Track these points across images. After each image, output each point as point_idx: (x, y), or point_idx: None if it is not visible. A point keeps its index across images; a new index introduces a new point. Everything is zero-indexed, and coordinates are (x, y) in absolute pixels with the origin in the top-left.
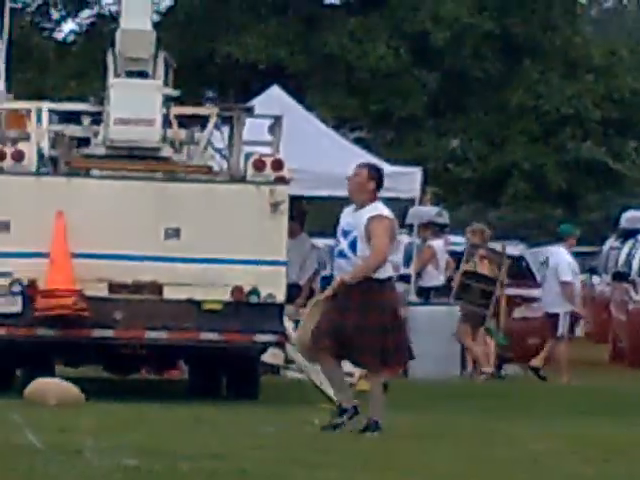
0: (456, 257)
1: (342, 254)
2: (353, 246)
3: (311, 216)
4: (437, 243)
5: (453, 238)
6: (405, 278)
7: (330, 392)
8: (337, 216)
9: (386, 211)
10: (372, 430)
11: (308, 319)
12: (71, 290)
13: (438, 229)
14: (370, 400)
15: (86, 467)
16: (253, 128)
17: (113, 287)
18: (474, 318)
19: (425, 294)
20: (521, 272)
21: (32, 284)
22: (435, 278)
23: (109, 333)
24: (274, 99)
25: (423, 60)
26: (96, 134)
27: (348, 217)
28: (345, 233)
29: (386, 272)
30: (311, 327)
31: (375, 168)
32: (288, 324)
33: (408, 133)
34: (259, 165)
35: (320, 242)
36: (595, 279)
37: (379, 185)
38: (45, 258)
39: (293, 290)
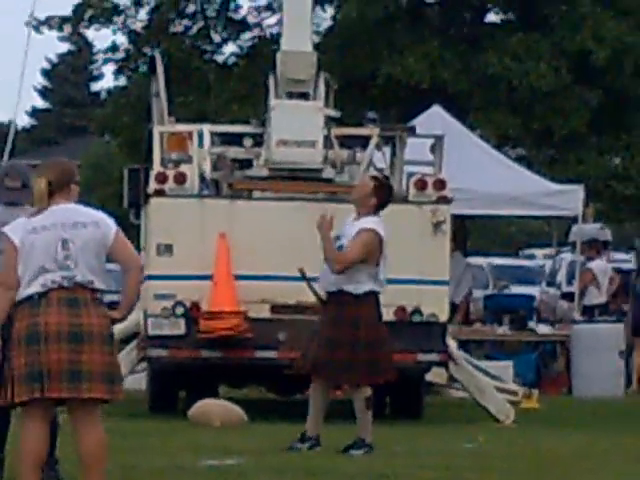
0: (620, 274)
1: (327, 258)
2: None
3: (473, 235)
4: (597, 264)
5: (616, 255)
6: (569, 296)
7: (493, 410)
8: (500, 234)
9: (379, 227)
10: (357, 448)
11: None
12: (234, 312)
13: (601, 246)
14: (357, 418)
15: None
16: (415, 148)
17: (276, 308)
18: None
19: (588, 312)
20: None
21: (195, 306)
22: (597, 297)
23: (272, 354)
24: (435, 118)
25: (584, 78)
26: (258, 156)
27: (346, 225)
28: (337, 238)
29: (363, 287)
30: None
31: (382, 184)
32: (451, 343)
33: (570, 151)
34: (421, 185)
35: (482, 260)
36: None
37: (383, 201)
38: (208, 280)
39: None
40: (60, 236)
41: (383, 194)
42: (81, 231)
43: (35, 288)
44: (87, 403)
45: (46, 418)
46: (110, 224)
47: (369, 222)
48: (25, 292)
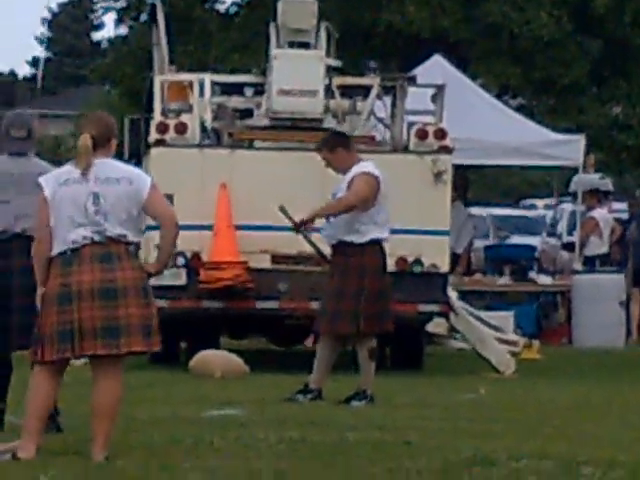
0: (620, 224)
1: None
2: None
3: (474, 185)
4: (599, 212)
5: (617, 205)
6: (569, 246)
7: (494, 361)
8: (501, 184)
9: (372, 168)
10: (359, 399)
11: None
12: (235, 262)
13: (602, 196)
14: (360, 368)
15: (251, 439)
16: (416, 97)
17: (277, 258)
18: None
19: (590, 263)
20: None
21: (196, 256)
22: (598, 247)
23: (273, 305)
24: (436, 68)
25: (585, 27)
26: (259, 105)
27: (341, 181)
28: (333, 195)
29: (364, 236)
30: None
31: (327, 139)
32: (452, 293)
33: (570, 100)
34: (422, 134)
35: (483, 211)
36: None
37: (346, 144)
38: (209, 230)
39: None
40: (91, 190)
41: (338, 140)
42: (114, 186)
43: (67, 244)
44: (115, 356)
45: (59, 373)
46: (145, 180)
47: (360, 167)
48: (58, 248)
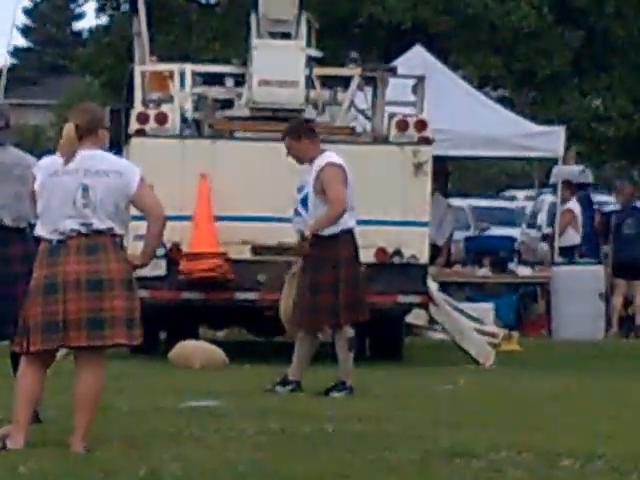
0: (602, 216)
1: (296, 212)
2: (304, 202)
3: (454, 176)
4: (574, 205)
5: (597, 197)
6: (549, 238)
7: (473, 352)
8: (481, 176)
9: (337, 158)
10: (338, 390)
11: (288, 290)
12: (215, 253)
13: (575, 188)
14: (338, 360)
15: (230, 430)
16: (396, 88)
17: (257, 249)
18: None
19: (566, 254)
20: None
21: (176, 247)
22: (572, 238)
23: (253, 295)
24: (417, 59)
25: (566, 18)
26: (239, 96)
27: (304, 174)
28: (299, 189)
29: (337, 226)
30: (291, 298)
31: (293, 127)
32: (431, 285)
33: (551, 92)
34: (402, 125)
35: (463, 202)
36: None
37: (311, 136)
38: (189, 221)
39: (431, 250)
40: (81, 182)
41: (302, 130)
42: (103, 179)
43: (54, 235)
44: (99, 347)
45: (46, 362)
46: (135, 173)
47: (324, 159)
48: (45, 232)
